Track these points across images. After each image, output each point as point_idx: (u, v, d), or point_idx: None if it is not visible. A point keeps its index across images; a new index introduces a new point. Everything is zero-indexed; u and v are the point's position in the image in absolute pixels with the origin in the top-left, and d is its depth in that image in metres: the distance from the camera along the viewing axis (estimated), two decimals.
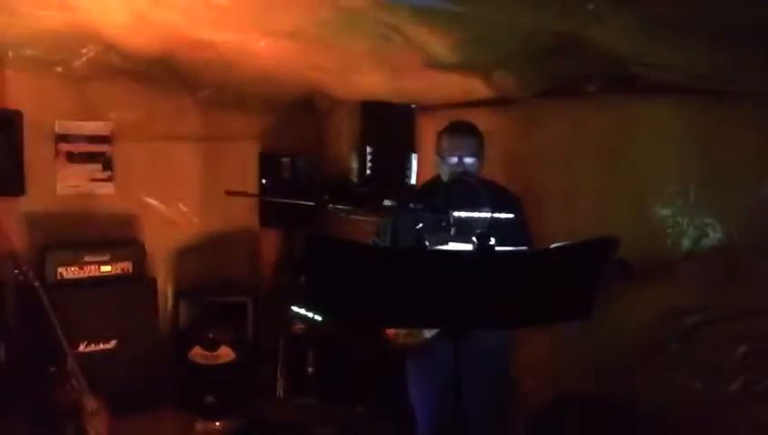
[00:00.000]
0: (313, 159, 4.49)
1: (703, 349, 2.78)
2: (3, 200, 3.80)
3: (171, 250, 4.56)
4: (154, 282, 4.19)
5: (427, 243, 2.34)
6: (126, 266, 4.05)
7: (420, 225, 2.41)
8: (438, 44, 2.77)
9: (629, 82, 2.84)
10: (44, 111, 3.97)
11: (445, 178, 2.66)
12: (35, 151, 3.91)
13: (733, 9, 1.96)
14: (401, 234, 2.66)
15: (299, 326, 3.96)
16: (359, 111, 4.12)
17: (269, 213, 4.41)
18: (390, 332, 2.69)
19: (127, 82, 4.13)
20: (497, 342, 2.68)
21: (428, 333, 2.58)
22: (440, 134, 2.72)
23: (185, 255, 4.60)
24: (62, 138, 4.10)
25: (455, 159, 2.62)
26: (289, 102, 4.62)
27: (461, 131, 2.68)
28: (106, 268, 3.98)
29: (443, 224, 2.37)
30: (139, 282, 4.10)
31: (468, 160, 2.62)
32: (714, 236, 2.77)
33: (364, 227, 3.04)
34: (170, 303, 4.49)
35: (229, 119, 4.66)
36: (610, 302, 1.68)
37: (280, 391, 3.69)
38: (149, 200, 4.45)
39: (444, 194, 2.54)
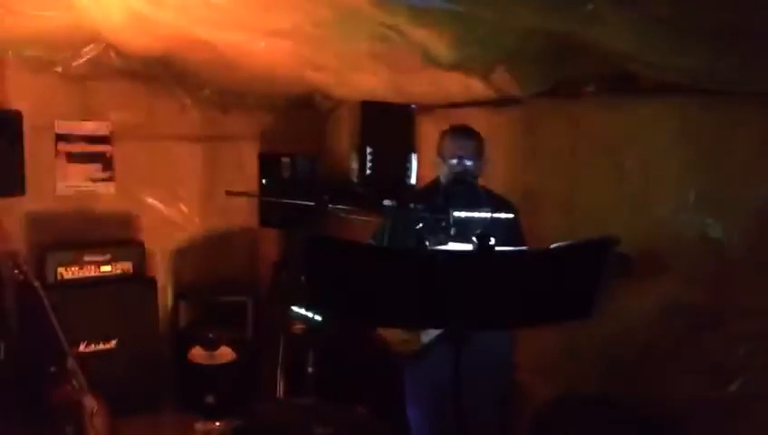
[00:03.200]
0: (313, 159, 4.49)
1: (703, 349, 2.78)
2: (3, 200, 3.79)
3: (171, 250, 4.56)
4: (154, 282, 4.19)
5: (427, 243, 2.34)
6: (126, 266, 4.05)
7: (420, 225, 2.41)
8: (438, 44, 2.77)
9: (629, 82, 2.84)
10: (44, 111, 3.97)
11: (444, 179, 2.67)
12: (35, 151, 3.91)
13: (732, 9, 1.96)
14: (400, 234, 2.65)
15: (299, 326, 3.95)
16: (359, 111, 4.12)
17: (269, 213, 4.41)
18: (391, 339, 2.69)
19: (127, 82, 4.13)
20: (500, 347, 2.68)
21: (426, 338, 2.57)
22: (441, 136, 2.73)
23: (185, 255, 4.60)
24: (62, 138, 4.10)
25: (455, 161, 2.63)
26: (289, 102, 4.62)
27: (462, 134, 2.70)
28: (106, 268, 3.98)
29: (443, 224, 2.37)
30: (139, 282, 4.10)
31: (468, 162, 2.63)
32: (714, 236, 2.77)
33: (364, 227, 3.03)
34: (170, 303, 4.49)
35: (229, 119, 4.66)
36: (611, 302, 1.68)
37: (280, 391, 3.69)
38: (149, 200, 4.45)
39: (444, 194, 2.54)
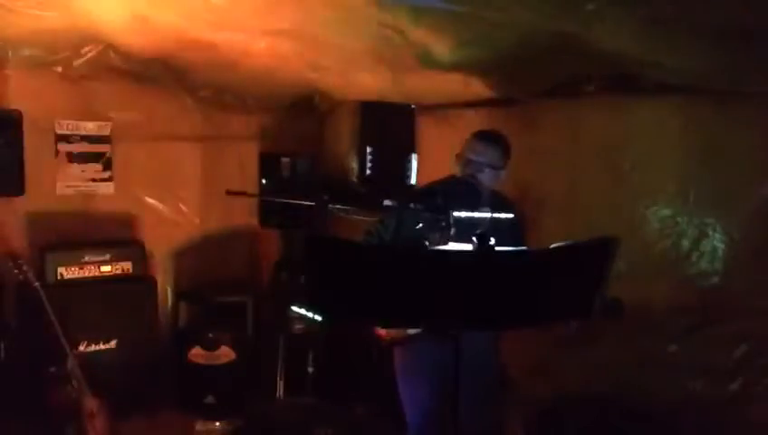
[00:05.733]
0: (313, 159, 4.49)
1: (703, 349, 2.78)
2: (3, 200, 3.79)
3: (171, 250, 4.56)
4: (154, 282, 4.19)
5: (427, 243, 2.34)
6: (126, 266, 4.05)
7: (420, 225, 2.41)
8: (438, 44, 2.77)
9: (629, 82, 2.84)
10: (44, 111, 3.97)
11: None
12: (35, 151, 3.90)
13: (733, 9, 1.96)
14: (404, 230, 2.64)
15: (299, 326, 3.96)
16: (358, 111, 4.12)
17: (269, 213, 4.40)
18: (381, 331, 2.69)
19: (127, 82, 4.12)
20: (487, 340, 2.68)
21: (412, 331, 2.57)
22: (469, 136, 2.69)
23: (185, 255, 4.60)
24: (62, 138, 4.10)
25: (471, 163, 2.61)
26: (289, 102, 4.62)
27: (487, 139, 2.65)
28: (106, 268, 3.97)
29: (443, 224, 2.37)
30: (139, 282, 4.09)
31: (486, 169, 2.60)
32: (714, 236, 2.77)
33: (364, 227, 3.03)
34: (170, 303, 4.49)
35: (229, 119, 4.66)
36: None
37: (280, 391, 3.69)
38: (149, 200, 4.44)
39: (444, 194, 2.54)
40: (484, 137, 2.66)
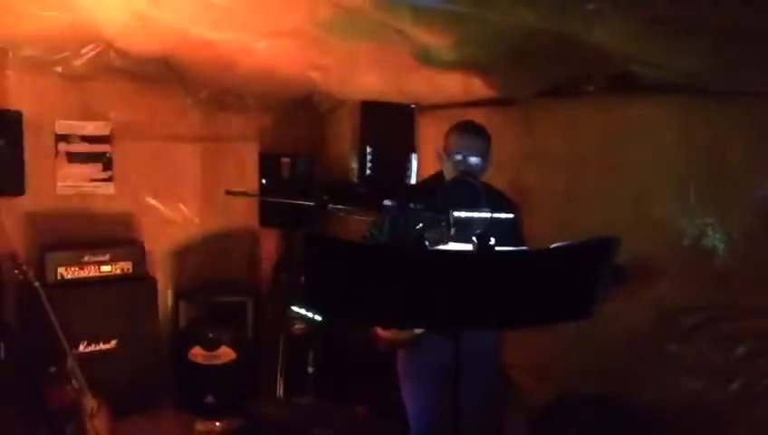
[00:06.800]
0: (313, 159, 4.49)
1: (703, 349, 2.78)
2: (3, 200, 3.80)
3: (171, 250, 4.56)
4: (154, 282, 4.19)
5: (427, 243, 2.34)
6: (126, 266, 4.05)
7: (420, 225, 2.40)
8: (438, 44, 2.77)
9: (629, 82, 2.84)
10: (44, 111, 3.97)
11: (448, 176, 2.65)
12: (35, 151, 3.91)
13: (733, 9, 1.96)
14: (400, 230, 2.64)
15: (299, 326, 3.96)
16: (359, 111, 4.12)
17: (269, 213, 4.41)
18: (381, 332, 2.69)
19: (127, 82, 4.13)
20: (488, 341, 2.68)
21: (419, 329, 2.57)
22: (448, 132, 2.67)
23: (185, 255, 4.60)
24: (62, 138, 4.10)
25: (460, 158, 2.60)
26: (289, 102, 4.62)
27: (469, 131, 2.64)
28: (106, 268, 3.98)
29: (443, 224, 2.36)
30: (139, 282, 4.09)
31: (474, 160, 2.58)
32: (714, 236, 2.77)
33: (364, 227, 3.03)
34: (170, 303, 4.49)
35: (229, 119, 4.66)
36: (610, 302, 1.69)
37: (280, 391, 3.69)
38: (149, 200, 4.45)
39: (444, 194, 2.53)
40: (468, 130, 2.65)
